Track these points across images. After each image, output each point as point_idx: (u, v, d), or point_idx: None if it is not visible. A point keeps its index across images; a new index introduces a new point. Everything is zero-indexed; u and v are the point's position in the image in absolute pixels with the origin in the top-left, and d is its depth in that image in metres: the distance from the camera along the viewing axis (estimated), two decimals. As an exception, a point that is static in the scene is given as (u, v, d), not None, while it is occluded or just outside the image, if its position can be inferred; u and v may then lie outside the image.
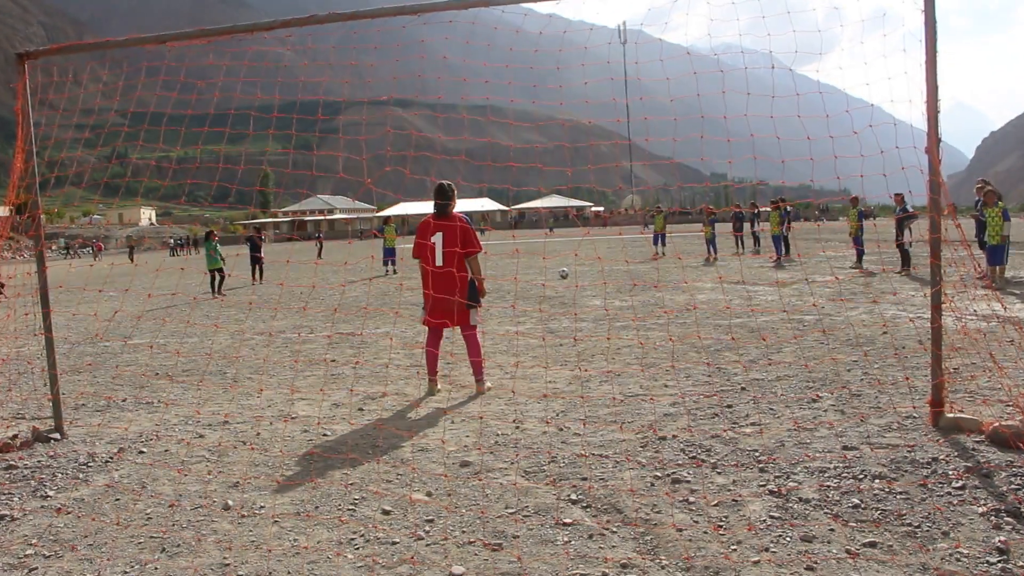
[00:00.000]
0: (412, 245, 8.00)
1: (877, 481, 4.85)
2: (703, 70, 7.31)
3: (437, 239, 7.72)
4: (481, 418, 6.86)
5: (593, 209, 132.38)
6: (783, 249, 24.36)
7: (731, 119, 7.68)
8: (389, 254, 27.08)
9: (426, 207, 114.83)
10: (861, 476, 4.95)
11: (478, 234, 7.87)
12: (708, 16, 6.49)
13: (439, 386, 8.08)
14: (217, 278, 22.12)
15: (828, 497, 4.66)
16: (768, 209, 26.86)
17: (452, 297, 7.50)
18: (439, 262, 7.68)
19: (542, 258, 27.10)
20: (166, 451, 6.35)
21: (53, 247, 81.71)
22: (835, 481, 4.90)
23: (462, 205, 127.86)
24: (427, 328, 7.94)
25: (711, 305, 13.53)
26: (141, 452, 6.34)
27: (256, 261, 24.88)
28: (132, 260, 59.91)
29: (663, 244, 31.00)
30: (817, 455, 5.39)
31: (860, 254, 20.75)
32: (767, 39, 6.41)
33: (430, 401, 7.64)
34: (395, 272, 26.68)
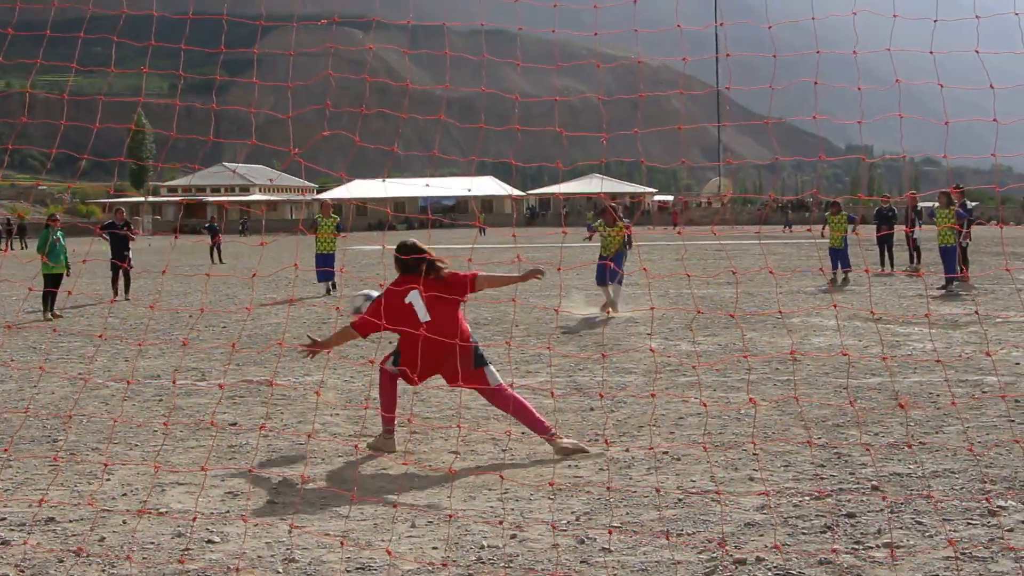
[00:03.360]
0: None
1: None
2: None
3: (413, 297, 8.79)
4: (458, 518, 6.82)
5: (657, 199, 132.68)
6: (957, 268, 24.02)
7: (870, 57, 7.67)
8: (324, 263, 25.99)
9: (381, 189, 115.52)
10: (1060, 635, 4.88)
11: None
12: None
13: (396, 442, 8.83)
14: (52, 287, 22.10)
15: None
16: (936, 205, 26.38)
17: (448, 346, 8.43)
18: (425, 317, 8.71)
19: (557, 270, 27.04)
20: (-53, 562, 6.32)
21: None
22: (1017, 640, 4.83)
23: (453, 182, 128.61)
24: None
25: (832, 354, 13.45)
26: (-96, 564, 6.31)
27: (123, 260, 24.91)
28: None
29: (615, 280, 20.13)
30: (991, 598, 5.31)
31: None
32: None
33: (369, 493, 7.61)
34: (333, 289, 26.28)
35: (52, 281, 21.94)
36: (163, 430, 9.79)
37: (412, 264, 8.94)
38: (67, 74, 8.29)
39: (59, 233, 22.53)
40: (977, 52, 6.26)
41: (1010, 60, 6.60)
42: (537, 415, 8.76)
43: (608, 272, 19.50)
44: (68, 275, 22.46)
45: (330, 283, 26.41)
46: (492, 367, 8.93)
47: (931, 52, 6.38)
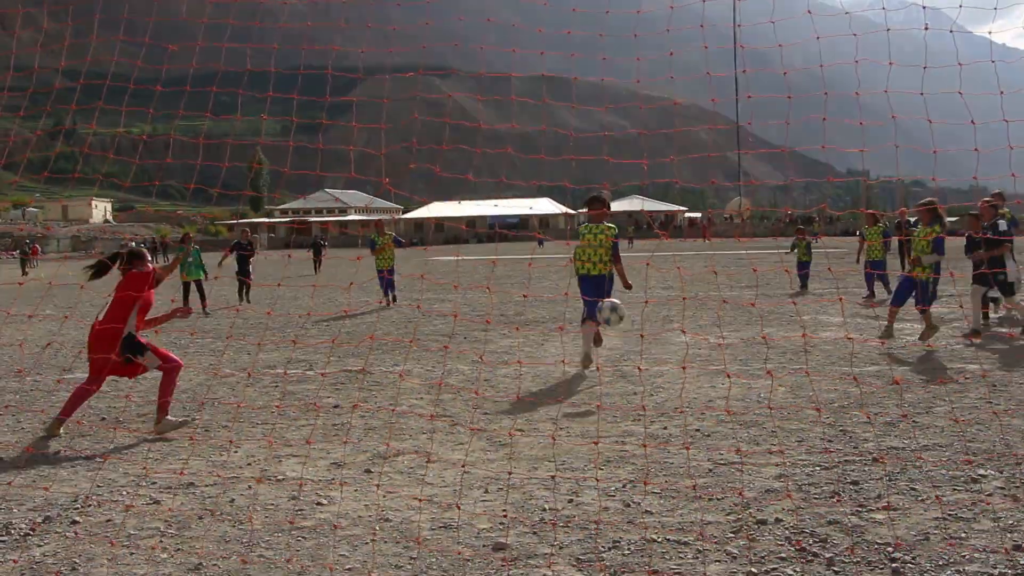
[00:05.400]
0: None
1: (1057, 591, 4.70)
2: (830, 33, 7.25)
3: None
4: (523, 485, 6.84)
5: (688, 215, 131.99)
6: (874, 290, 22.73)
7: (867, 96, 7.61)
8: (385, 276, 23.63)
9: (455, 209, 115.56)
10: (1034, 584, 4.80)
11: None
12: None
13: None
14: (188, 293, 22.68)
15: (987, 611, 4.53)
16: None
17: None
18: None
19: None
20: (108, 521, 6.44)
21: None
22: (998, 589, 4.75)
23: (516, 203, 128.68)
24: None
25: (837, 346, 13.32)
26: (75, 522, 6.43)
27: (244, 274, 25.22)
28: (24, 271, 57.86)
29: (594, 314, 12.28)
30: (976, 555, 5.24)
31: None
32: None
33: (450, 465, 7.65)
34: (394, 301, 23.73)
35: (187, 288, 22.76)
36: (279, 411, 9.93)
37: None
38: (201, 120, 8.44)
39: (196, 250, 23.11)
40: (960, 93, 6.18)
41: (987, 98, 6.51)
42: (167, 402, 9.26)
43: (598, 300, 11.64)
44: (207, 279, 23.36)
45: (392, 294, 23.78)
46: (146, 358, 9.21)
47: (922, 93, 6.31)
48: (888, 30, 6.27)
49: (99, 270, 9.42)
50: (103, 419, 9.85)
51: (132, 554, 5.74)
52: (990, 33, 6.36)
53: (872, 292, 21.66)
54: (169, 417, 9.19)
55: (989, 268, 13.74)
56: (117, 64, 7.34)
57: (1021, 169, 6.69)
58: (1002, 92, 6.24)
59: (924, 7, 6.84)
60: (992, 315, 16.00)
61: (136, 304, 9.19)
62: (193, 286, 23.02)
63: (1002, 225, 14.19)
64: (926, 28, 6.35)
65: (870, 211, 24.36)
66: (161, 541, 5.94)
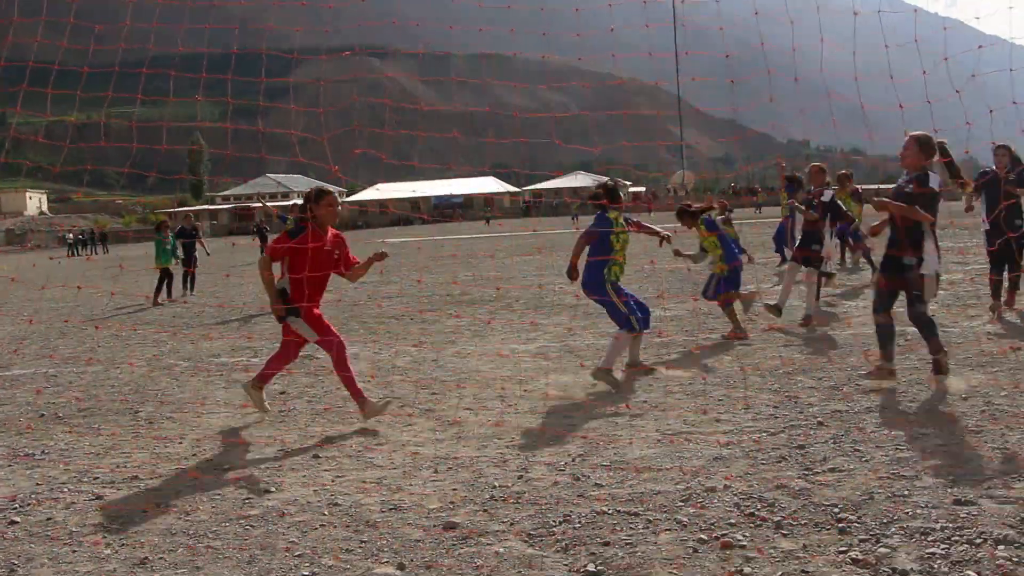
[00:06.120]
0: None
1: (1001, 547, 4.79)
2: (768, 11, 7.32)
3: None
4: (473, 464, 6.85)
5: (632, 190, 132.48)
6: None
7: (805, 69, 7.70)
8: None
9: (400, 189, 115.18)
10: (979, 540, 4.89)
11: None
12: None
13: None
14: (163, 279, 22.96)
15: (933, 568, 4.61)
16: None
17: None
18: None
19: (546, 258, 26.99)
20: (49, 519, 6.31)
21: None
22: (943, 547, 4.84)
23: (464, 184, 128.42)
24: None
25: (784, 314, 13.46)
26: (13, 522, 6.29)
27: (190, 263, 24.80)
28: None
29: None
30: (919, 511, 5.33)
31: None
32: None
33: (399, 446, 7.63)
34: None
35: (163, 274, 22.93)
36: (226, 400, 9.84)
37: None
38: (133, 105, 8.27)
39: (171, 237, 23.78)
40: (892, 79, 6.29)
41: (917, 74, 6.62)
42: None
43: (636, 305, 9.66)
44: (178, 264, 23.70)
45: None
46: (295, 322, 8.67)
47: (856, 78, 6.41)
48: (818, 8, 6.36)
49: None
50: (42, 415, 9.67)
51: (74, 552, 5.64)
52: (916, 11, 6.47)
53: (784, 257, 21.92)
54: (371, 399, 8.57)
55: (804, 241, 13.17)
56: (41, 47, 7.17)
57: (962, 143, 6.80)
58: (925, 72, 6.32)
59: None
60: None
61: (281, 258, 8.53)
62: (168, 273, 23.16)
63: (826, 195, 13.49)
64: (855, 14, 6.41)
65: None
66: (105, 537, 5.84)
